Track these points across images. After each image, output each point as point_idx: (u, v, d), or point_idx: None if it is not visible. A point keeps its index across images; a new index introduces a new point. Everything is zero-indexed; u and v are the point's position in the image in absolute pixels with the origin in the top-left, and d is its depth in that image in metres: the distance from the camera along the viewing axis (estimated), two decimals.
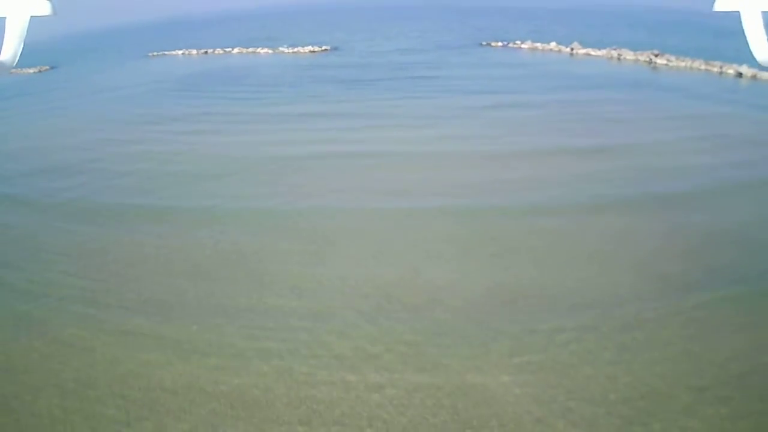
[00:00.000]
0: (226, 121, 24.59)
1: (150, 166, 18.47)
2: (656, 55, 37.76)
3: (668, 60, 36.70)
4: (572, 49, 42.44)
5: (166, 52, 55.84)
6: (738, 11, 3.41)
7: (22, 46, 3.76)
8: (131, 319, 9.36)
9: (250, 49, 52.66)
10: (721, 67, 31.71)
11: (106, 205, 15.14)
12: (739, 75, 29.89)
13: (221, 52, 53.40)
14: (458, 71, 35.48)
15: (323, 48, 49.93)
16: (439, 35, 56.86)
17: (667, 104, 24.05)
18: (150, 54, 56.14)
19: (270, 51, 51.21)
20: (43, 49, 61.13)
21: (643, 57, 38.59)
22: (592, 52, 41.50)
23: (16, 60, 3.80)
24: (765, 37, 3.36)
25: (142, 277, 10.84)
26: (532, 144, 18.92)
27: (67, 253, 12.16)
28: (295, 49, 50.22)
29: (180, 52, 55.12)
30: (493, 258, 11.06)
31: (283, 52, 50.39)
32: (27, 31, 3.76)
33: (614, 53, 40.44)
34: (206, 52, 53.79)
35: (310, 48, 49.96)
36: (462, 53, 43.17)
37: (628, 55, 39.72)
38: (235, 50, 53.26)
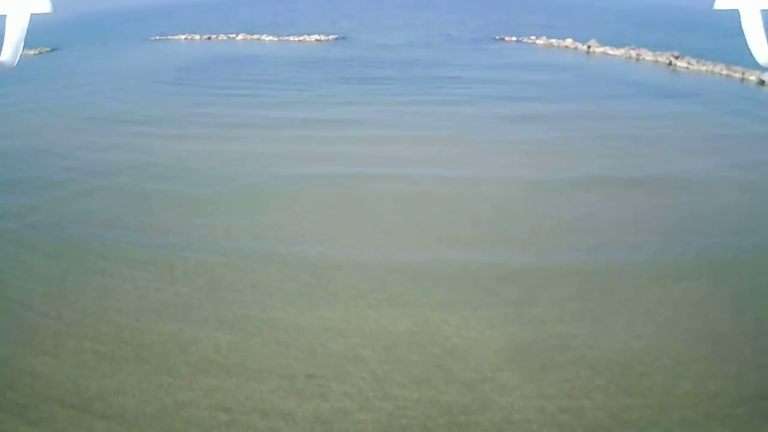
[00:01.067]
0: (218, 125, 22.18)
1: (124, 182, 16.05)
2: (676, 57, 36.14)
3: (689, 63, 35.08)
4: (589, 47, 40.80)
5: (168, 37, 54.36)
6: (737, 10, 3.46)
7: (22, 44, 3.77)
8: None
9: (255, 36, 51.13)
10: (743, 74, 30.21)
11: (65, 239, 12.54)
12: (762, 83, 28.42)
13: (225, 38, 51.90)
14: (477, 72, 33.14)
15: (330, 37, 48.33)
16: (448, 27, 55.09)
17: (698, 121, 21.82)
18: (152, 38, 54.67)
19: (275, 39, 49.68)
20: (49, 29, 59.49)
21: (662, 58, 36.96)
22: (610, 51, 39.85)
23: (17, 59, 3.81)
24: (765, 36, 3.40)
25: None
26: (562, 172, 16.01)
27: None
28: (301, 38, 48.67)
29: (183, 37, 53.66)
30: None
31: (288, 40, 48.84)
32: (27, 30, 3.75)
33: (633, 53, 38.80)
34: (209, 37, 52.33)
35: (316, 37, 48.40)
36: (477, 49, 41.46)
37: (647, 55, 38.09)
38: (240, 36, 51.75)
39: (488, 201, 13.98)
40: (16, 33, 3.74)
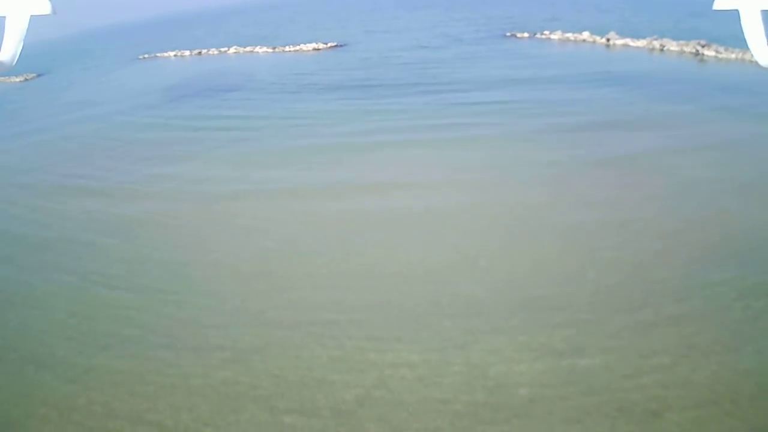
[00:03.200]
0: (192, 181, 17.05)
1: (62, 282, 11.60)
2: (703, 46, 33.23)
3: (717, 51, 32.16)
4: (608, 40, 37.84)
5: (157, 54, 51.56)
6: (737, 10, 3.50)
7: (21, 45, 4.26)
8: None
9: (248, 48, 48.25)
10: None
11: None
12: None
13: (216, 52, 49.03)
14: (494, 73, 30.01)
15: (328, 45, 45.41)
16: (453, 27, 52.09)
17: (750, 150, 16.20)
18: (140, 56, 51.90)
19: (269, 50, 46.80)
20: (37, 52, 56.66)
21: (688, 48, 34.07)
22: (631, 43, 36.90)
23: (16, 59, 4.34)
24: (764, 36, 3.61)
25: None
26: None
27: None
28: (297, 47, 45.79)
29: (172, 53, 50.86)
30: None
31: (283, 50, 45.97)
32: (26, 31, 3.92)
33: (656, 44, 35.89)
34: (200, 52, 49.47)
35: (313, 45, 45.49)
36: (489, 48, 38.25)
37: (672, 45, 35.16)
38: (232, 50, 48.88)
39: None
40: (15, 34, 4.10)
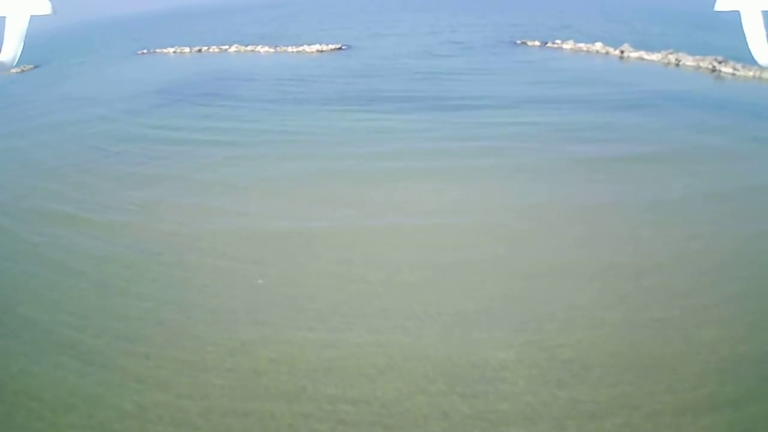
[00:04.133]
0: (171, 209, 15.10)
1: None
2: (720, 62, 32.01)
3: (734, 69, 30.98)
4: (622, 52, 36.55)
5: (156, 50, 50.15)
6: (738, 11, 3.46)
7: (22, 45, 3.97)
8: None
9: (249, 48, 46.87)
10: None
11: None
12: None
13: (217, 50, 47.65)
14: (512, 89, 27.91)
15: (331, 47, 44.01)
16: (461, 32, 50.74)
17: None
18: (139, 52, 50.51)
19: (271, 50, 45.41)
20: (39, 42, 55.24)
21: (704, 63, 32.85)
22: (646, 56, 35.63)
23: (16, 59, 4.04)
24: (765, 37, 3.44)
25: None
26: None
27: None
28: (300, 48, 44.39)
29: (171, 50, 49.46)
30: None
31: (286, 51, 44.58)
32: (27, 30, 3.86)
33: (671, 58, 34.65)
34: (200, 50, 48.08)
35: (317, 47, 44.08)
36: (502, 58, 36.72)
37: (688, 60, 33.92)
38: (233, 48, 47.53)
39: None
40: (16, 34, 3.85)
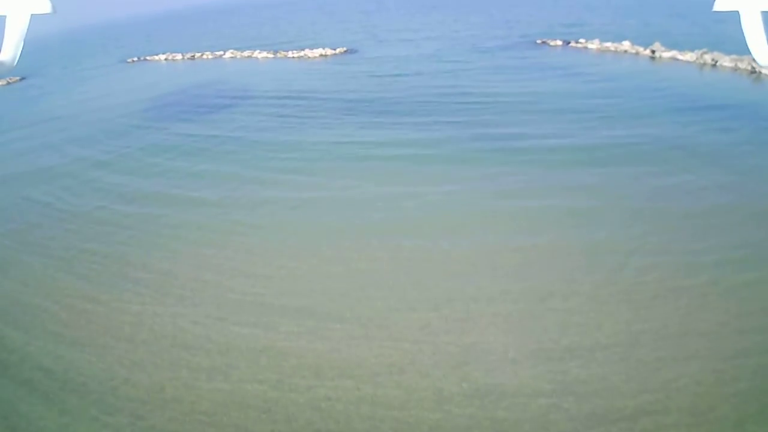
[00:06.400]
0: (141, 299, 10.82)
1: None
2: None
3: None
4: (653, 52, 33.46)
5: (146, 58, 47.06)
6: (738, 11, 3.41)
7: (22, 45, 4.01)
8: None
9: (246, 53, 43.72)
10: None
11: None
12: None
13: (211, 56, 44.52)
14: (549, 100, 23.57)
15: (336, 51, 40.85)
16: (473, 31, 47.53)
17: None
18: (128, 60, 47.43)
19: (270, 55, 42.26)
20: (32, 49, 51.97)
21: (743, 65, 29.85)
22: (679, 56, 32.58)
23: (17, 59, 4.06)
24: (764, 37, 3.53)
25: None
26: None
27: None
28: (302, 53, 41.25)
29: (163, 57, 46.34)
30: None
31: (286, 56, 41.45)
32: (27, 30, 3.70)
33: (707, 58, 31.56)
34: (193, 56, 44.95)
35: (320, 51, 40.91)
36: (526, 62, 33.23)
37: (725, 60, 30.84)
38: (228, 54, 44.37)
39: None
40: (16, 33, 3.80)
